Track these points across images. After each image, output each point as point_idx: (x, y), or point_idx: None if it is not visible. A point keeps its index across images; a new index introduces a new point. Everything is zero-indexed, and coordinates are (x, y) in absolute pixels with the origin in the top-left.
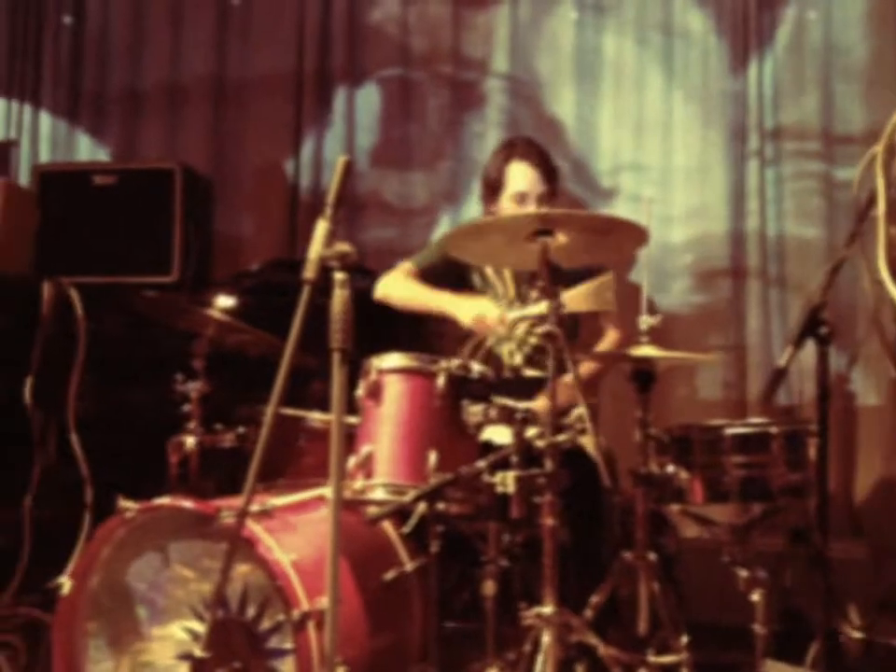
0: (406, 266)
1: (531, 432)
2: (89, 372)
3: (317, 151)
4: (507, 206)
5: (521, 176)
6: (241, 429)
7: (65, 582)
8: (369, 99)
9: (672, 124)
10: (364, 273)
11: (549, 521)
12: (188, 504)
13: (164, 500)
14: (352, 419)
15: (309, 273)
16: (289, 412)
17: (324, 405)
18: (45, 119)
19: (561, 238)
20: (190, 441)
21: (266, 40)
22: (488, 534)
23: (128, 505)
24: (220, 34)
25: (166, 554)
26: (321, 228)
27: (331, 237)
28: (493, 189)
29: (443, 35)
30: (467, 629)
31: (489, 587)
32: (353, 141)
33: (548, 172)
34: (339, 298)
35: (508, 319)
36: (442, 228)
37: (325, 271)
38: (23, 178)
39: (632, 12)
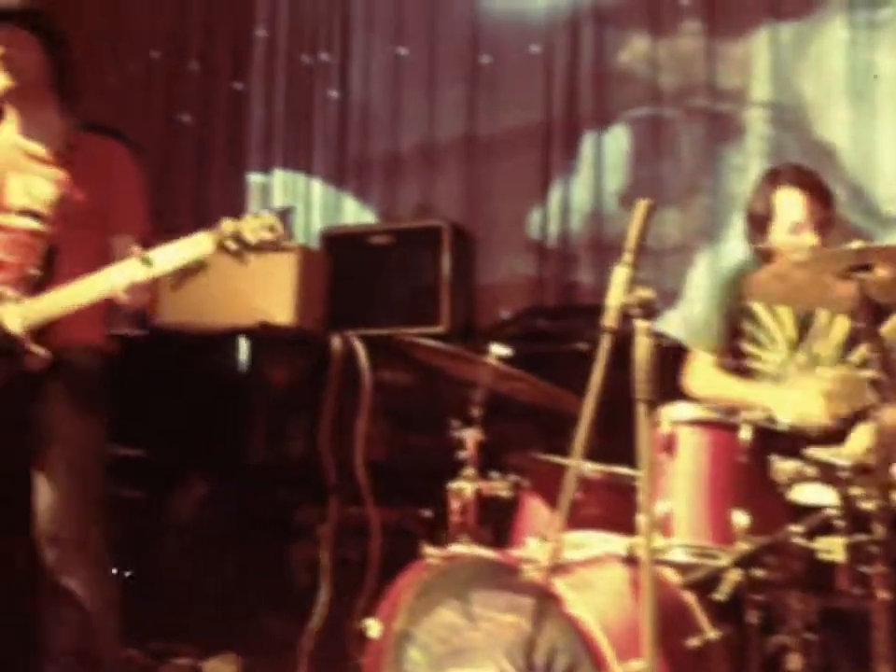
0: (705, 359)
1: (855, 492)
2: (375, 419)
3: (564, 198)
4: (781, 239)
5: (792, 205)
6: (514, 477)
7: (373, 625)
8: (617, 141)
9: None
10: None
11: (882, 595)
12: (490, 554)
13: (464, 548)
14: (622, 470)
15: (610, 321)
16: (562, 461)
17: (590, 454)
18: (316, 185)
19: (882, 273)
20: (469, 488)
21: (515, 94)
22: (791, 602)
23: (431, 551)
24: (471, 93)
25: (466, 602)
26: (621, 274)
27: (632, 283)
28: (761, 223)
29: (696, 68)
30: None
31: (795, 661)
32: (601, 184)
33: (822, 196)
34: (642, 346)
35: (836, 417)
36: (699, 267)
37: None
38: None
39: None
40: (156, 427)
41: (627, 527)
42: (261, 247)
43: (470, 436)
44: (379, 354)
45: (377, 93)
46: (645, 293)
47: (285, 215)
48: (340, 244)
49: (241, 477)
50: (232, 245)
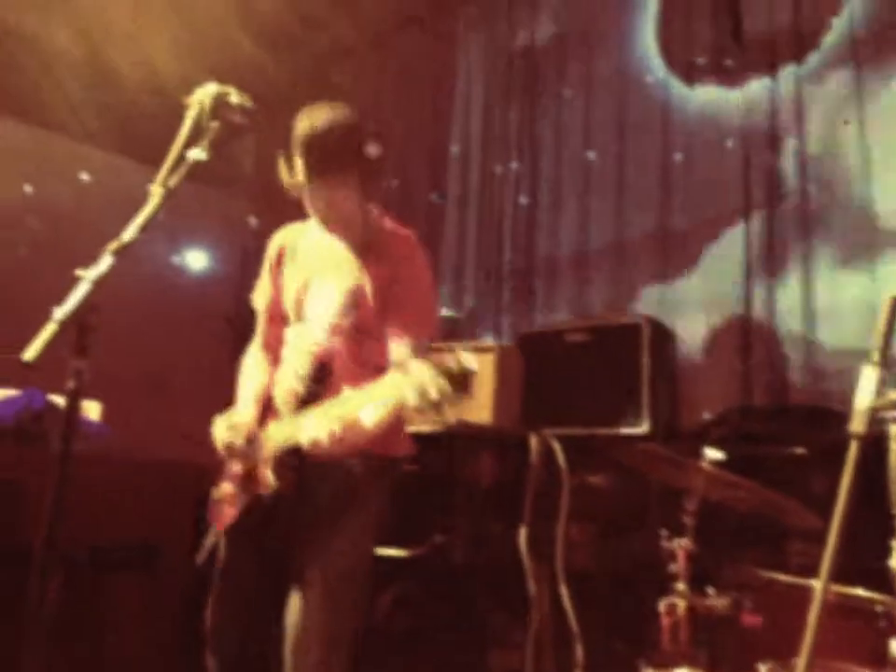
0: None
1: None
2: (575, 523)
3: (770, 293)
4: None
5: None
6: (733, 594)
7: None
8: None
9: None
10: None
11: None
12: None
13: None
14: (860, 592)
15: (858, 425)
16: (793, 580)
17: (807, 570)
18: (505, 287)
19: None
20: (681, 604)
21: (709, 187)
22: None
23: None
24: (663, 190)
25: None
26: (868, 374)
27: (882, 385)
28: None
29: None
30: None
31: None
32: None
33: None
34: None
35: None
36: None
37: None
38: (490, 340)
39: None
40: None
41: (862, 657)
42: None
43: (682, 547)
44: (578, 454)
45: (566, 197)
46: None
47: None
48: (535, 342)
49: (440, 578)
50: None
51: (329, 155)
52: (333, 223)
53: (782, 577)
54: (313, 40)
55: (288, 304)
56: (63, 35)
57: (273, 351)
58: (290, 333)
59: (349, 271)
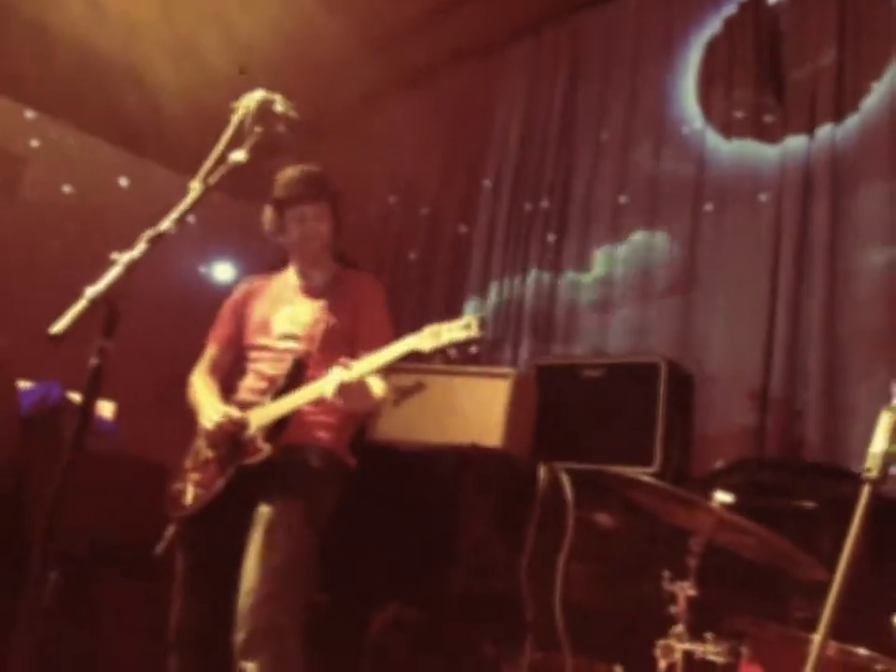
0: None
1: None
2: (578, 558)
3: (791, 347)
4: None
5: None
6: (731, 642)
7: None
8: None
9: None
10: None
11: None
12: None
13: None
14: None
15: (872, 471)
16: (797, 632)
17: (810, 625)
18: (526, 317)
19: None
20: (678, 647)
21: (738, 241)
22: None
23: None
24: (692, 239)
25: None
26: (886, 419)
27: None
28: None
29: None
30: None
31: None
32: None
33: None
34: None
35: None
36: None
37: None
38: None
39: None
40: (361, 541)
41: None
42: (453, 345)
43: (683, 590)
44: (587, 490)
45: (595, 236)
46: None
47: (484, 321)
48: (551, 373)
49: (437, 605)
50: (427, 344)
51: (327, 189)
52: (313, 256)
53: (784, 629)
54: (355, 74)
55: (253, 328)
56: (106, 44)
57: (219, 376)
58: (255, 350)
59: (318, 294)
